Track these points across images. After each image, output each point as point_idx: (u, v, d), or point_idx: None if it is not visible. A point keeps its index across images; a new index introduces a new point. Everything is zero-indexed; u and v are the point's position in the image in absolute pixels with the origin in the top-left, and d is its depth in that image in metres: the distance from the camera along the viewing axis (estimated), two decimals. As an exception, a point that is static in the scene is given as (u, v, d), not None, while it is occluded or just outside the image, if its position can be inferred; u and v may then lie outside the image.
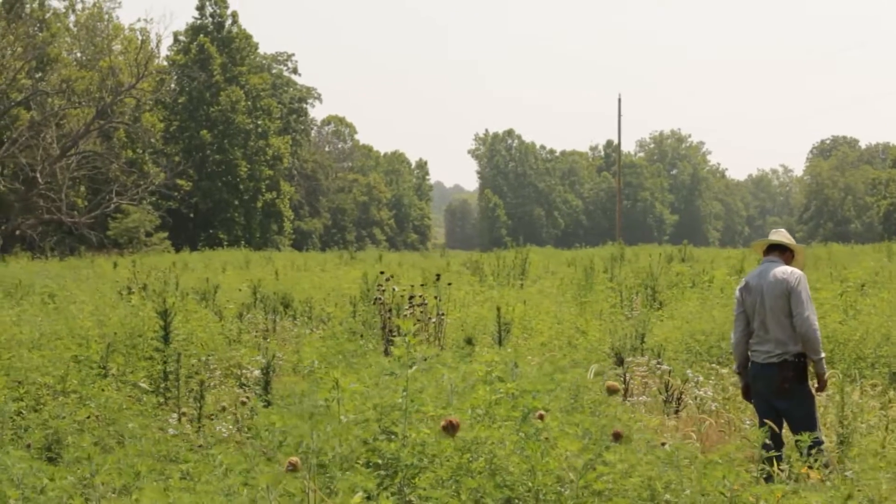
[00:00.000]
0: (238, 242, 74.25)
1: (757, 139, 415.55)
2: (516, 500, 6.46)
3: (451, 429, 5.81)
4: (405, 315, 14.50)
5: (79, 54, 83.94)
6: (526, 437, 6.64)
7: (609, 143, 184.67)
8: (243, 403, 10.08)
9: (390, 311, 14.73)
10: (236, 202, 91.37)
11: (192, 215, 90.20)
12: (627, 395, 12.55)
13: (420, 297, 14.72)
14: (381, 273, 16.68)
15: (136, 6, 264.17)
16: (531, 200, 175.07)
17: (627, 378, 13.07)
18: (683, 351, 16.08)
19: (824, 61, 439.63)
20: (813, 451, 7.91)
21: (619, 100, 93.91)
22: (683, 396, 12.63)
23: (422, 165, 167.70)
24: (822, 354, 9.91)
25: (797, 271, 10.06)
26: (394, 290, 15.26)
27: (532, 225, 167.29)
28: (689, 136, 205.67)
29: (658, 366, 14.07)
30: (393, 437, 6.86)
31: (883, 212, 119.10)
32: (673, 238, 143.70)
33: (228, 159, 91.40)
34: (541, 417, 6.52)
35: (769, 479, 7.14)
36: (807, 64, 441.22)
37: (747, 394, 10.43)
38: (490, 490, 6.24)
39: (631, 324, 17.99)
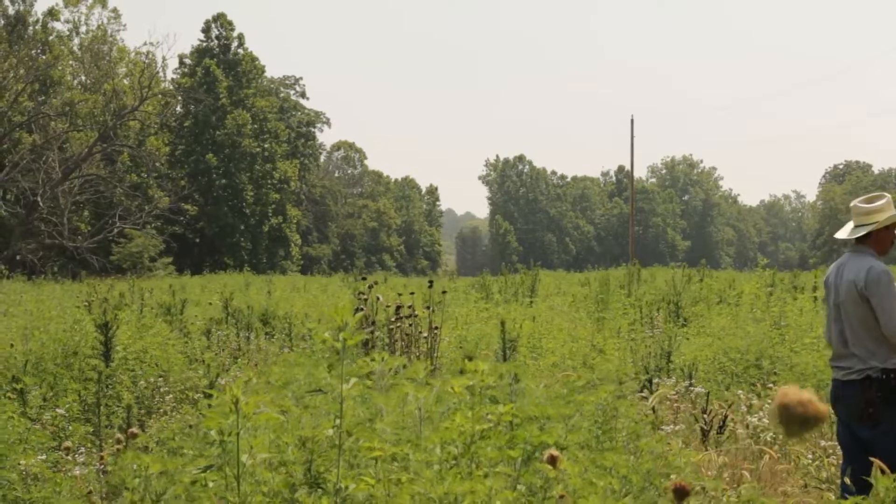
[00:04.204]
0: (243, 267, 72.53)
1: (769, 164, 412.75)
2: None
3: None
4: (390, 329, 12.67)
5: (83, 77, 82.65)
6: (529, 492, 4.48)
7: (621, 168, 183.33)
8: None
9: (374, 323, 12.81)
10: (242, 227, 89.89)
11: (197, 240, 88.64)
12: (656, 423, 10.36)
13: (409, 307, 12.88)
14: (363, 279, 14.82)
15: (141, 29, 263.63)
16: (542, 226, 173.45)
17: (655, 405, 10.87)
18: (716, 371, 14.20)
19: (836, 86, 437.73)
20: None
21: (632, 121, 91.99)
22: (727, 424, 10.48)
23: (432, 191, 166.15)
24: None
25: (877, 266, 7.72)
26: (378, 298, 13.37)
27: (543, 251, 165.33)
28: (701, 161, 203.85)
29: (690, 388, 12.08)
30: (323, 487, 4.64)
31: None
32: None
33: (234, 183, 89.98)
34: (552, 461, 4.27)
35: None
36: (820, 88, 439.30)
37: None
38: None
39: (654, 341, 16.16)
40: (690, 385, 12.22)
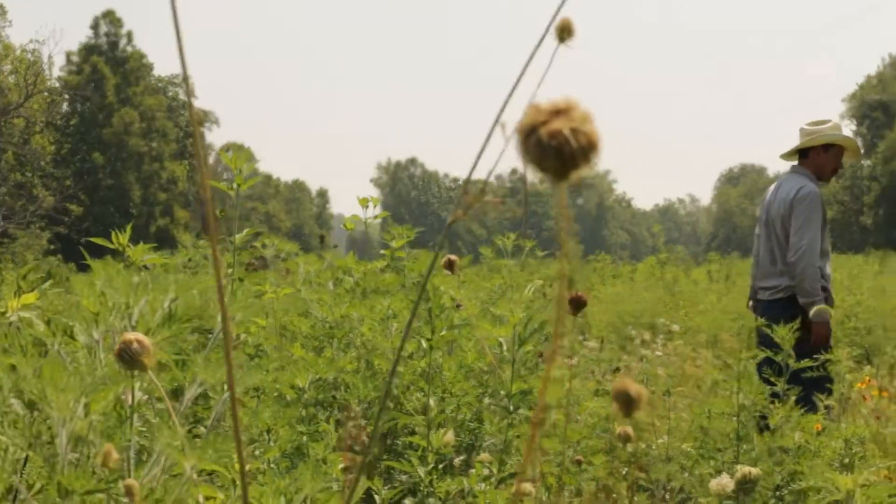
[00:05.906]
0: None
1: (663, 168, 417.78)
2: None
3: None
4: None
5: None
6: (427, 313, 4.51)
7: (513, 171, 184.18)
8: None
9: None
10: (129, 227, 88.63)
11: (82, 241, 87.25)
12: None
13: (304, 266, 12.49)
14: (258, 233, 14.28)
15: (28, 26, 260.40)
16: (434, 230, 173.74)
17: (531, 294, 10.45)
18: (611, 332, 13.86)
19: (727, 88, 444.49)
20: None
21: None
22: (619, 367, 10.12)
23: (322, 194, 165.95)
24: (815, 297, 7.44)
25: (808, 186, 7.67)
26: (263, 245, 12.89)
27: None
28: (595, 164, 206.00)
29: (583, 343, 11.65)
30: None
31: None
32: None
33: (121, 183, 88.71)
34: (449, 265, 4.26)
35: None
36: (711, 90, 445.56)
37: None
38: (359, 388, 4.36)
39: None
40: (584, 339, 11.84)
